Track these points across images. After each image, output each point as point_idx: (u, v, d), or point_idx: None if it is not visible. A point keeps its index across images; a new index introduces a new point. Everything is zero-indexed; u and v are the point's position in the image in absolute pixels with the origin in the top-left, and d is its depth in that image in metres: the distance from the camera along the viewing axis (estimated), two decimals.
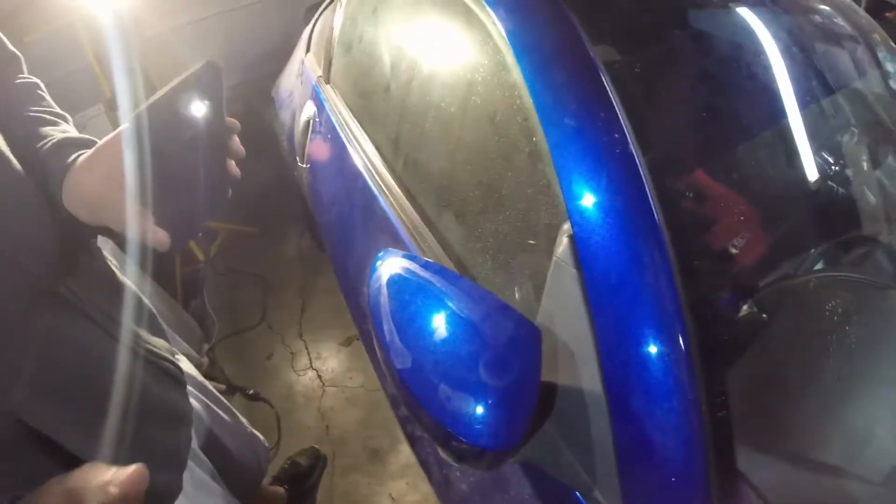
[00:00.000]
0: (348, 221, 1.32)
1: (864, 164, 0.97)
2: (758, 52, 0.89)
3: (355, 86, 1.48)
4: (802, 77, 0.90)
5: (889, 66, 1.04)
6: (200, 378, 1.10)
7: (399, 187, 1.12)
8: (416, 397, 0.59)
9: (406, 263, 0.67)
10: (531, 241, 0.75)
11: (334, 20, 1.65)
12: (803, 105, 0.86)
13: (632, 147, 0.66)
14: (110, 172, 0.59)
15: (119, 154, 0.58)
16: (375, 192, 1.18)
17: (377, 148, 1.27)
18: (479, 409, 0.56)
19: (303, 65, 1.96)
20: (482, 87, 0.87)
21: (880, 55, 1.05)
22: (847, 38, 1.04)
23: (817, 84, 0.93)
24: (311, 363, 2.22)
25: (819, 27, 1.03)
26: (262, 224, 2.83)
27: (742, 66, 0.87)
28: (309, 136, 1.65)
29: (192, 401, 0.99)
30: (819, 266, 0.84)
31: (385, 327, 0.62)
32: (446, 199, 0.96)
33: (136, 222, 0.59)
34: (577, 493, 0.67)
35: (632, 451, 0.62)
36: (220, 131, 0.63)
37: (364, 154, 1.29)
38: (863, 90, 0.99)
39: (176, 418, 0.83)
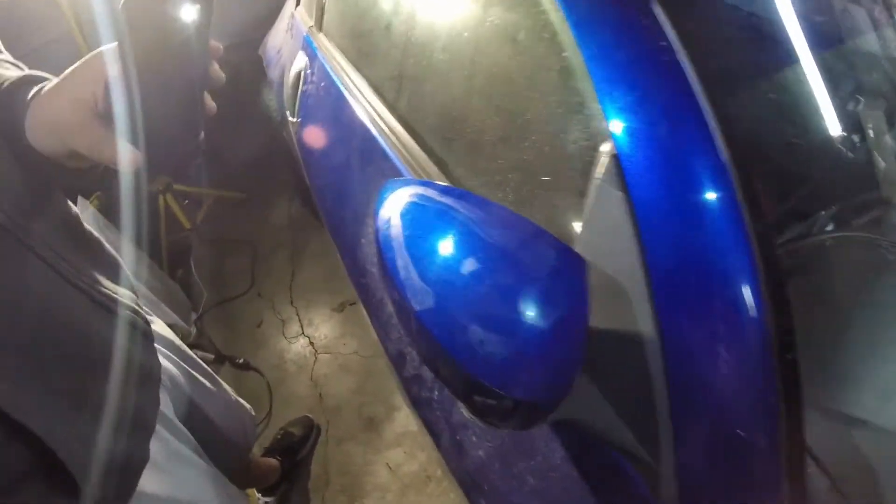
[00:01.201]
0: (345, 171, 1.21)
1: (881, 127, 0.90)
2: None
3: (352, 30, 1.36)
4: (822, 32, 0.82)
5: None
6: (179, 343, 1.01)
7: (403, 126, 1.02)
8: (439, 342, 0.50)
9: (421, 190, 0.57)
10: (563, 168, 0.65)
11: None
12: (823, 63, 0.77)
13: (680, 55, 0.56)
14: (79, 94, 0.54)
15: (89, 78, 0.54)
16: (375, 134, 1.07)
17: (377, 89, 1.16)
18: (520, 353, 0.47)
19: (293, 18, 1.84)
20: (501, 6, 0.77)
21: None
22: None
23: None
24: (302, 330, 2.13)
25: None
26: (250, 190, 2.70)
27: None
28: (300, 88, 1.53)
29: (170, 366, 0.91)
30: (831, 227, 0.76)
31: (399, 263, 0.52)
32: (459, 132, 0.86)
33: (108, 141, 0.53)
34: (622, 458, 0.59)
35: (691, 409, 0.53)
36: (205, 49, 0.55)
37: (363, 97, 1.18)
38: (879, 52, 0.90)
39: (141, 375, 0.73)
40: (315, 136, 1.45)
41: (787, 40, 0.74)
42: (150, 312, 0.86)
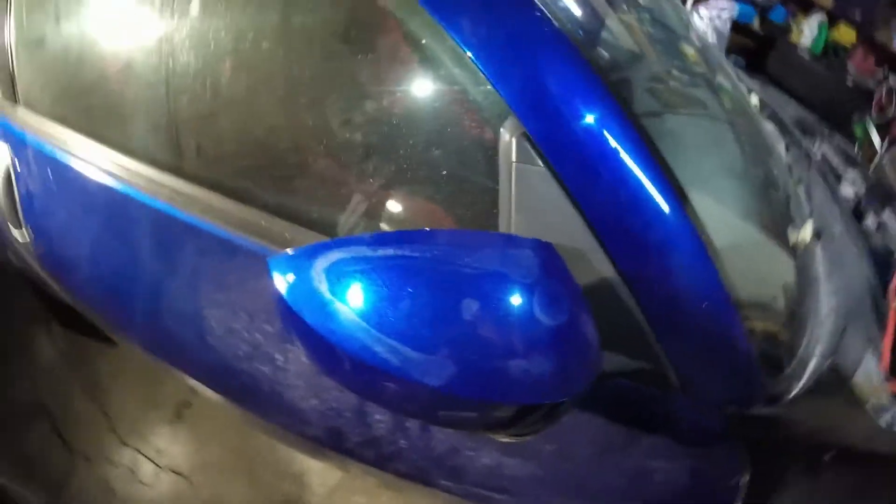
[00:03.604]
0: (139, 267, 0.96)
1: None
2: None
3: (70, 87, 1.05)
4: None
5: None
6: None
7: (202, 186, 0.82)
8: (472, 397, 0.45)
9: (339, 254, 0.49)
10: (456, 163, 0.62)
11: (3, 22, 1.15)
12: None
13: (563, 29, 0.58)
14: None
15: None
16: (168, 209, 0.84)
17: (142, 154, 0.91)
18: (560, 362, 0.45)
19: None
20: (307, 5, 0.69)
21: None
22: None
23: None
24: (157, 464, 1.78)
25: None
26: None
27: None
28: (16, 192, 1.14)
29: None
30: None
31: (380, 351, 0.45)
32: (300, 165, 0.75)
33: None
34: (630, 385, 0.61)
35: (663, 316, 0.59)
36: None
37: (124, 171, 0.91)
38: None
39: None
40: (69, 245, 1.12)
41: None
42: None
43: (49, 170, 1.04)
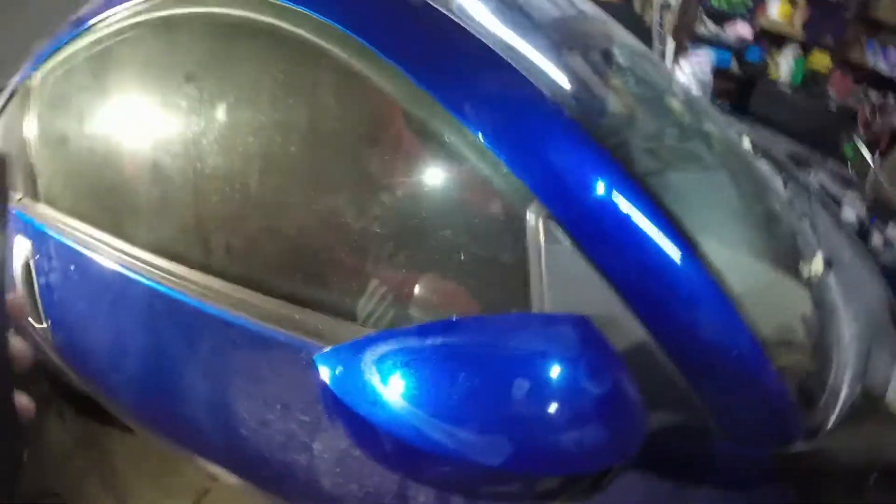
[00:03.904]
0: (158, 357, 0.99)
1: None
2: None
3: (93, 186, 1.08)
4: None
5: None
6: None
7: (233, 282, 0.85)
8: (511, 470, 0.48)
9: (387, 347, 0.53)
10: (486, 248, 0.66)
11: (24, 119, 1.21)
12: None
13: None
14: None
15: None
16: (197, 305, 0.87)
17: (165, 249, 0.94)
18: (600, 428, 0.47)
19: None
20: (328, 108, 0.75)
21: None
22: None
23: None
24: None
25: None
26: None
27: None
28: (35, 283, 1.17)
29: None
30: None
31: (435, 435, 0.47)
32: (331, 260, 0.80)
33: None
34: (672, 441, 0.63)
35: (694, 370, 0.61)
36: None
37: (147, 264, 0.94)
38: None
39: None
40: (89, 336, 1.14)
41: None
42: None
43: (70, 264, 1.08)
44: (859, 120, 1.77)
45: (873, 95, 2.07)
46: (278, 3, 0.76)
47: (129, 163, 1.03)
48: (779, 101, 1.72)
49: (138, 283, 0.95)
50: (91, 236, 1.04)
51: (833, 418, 0.74)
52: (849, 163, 1.57)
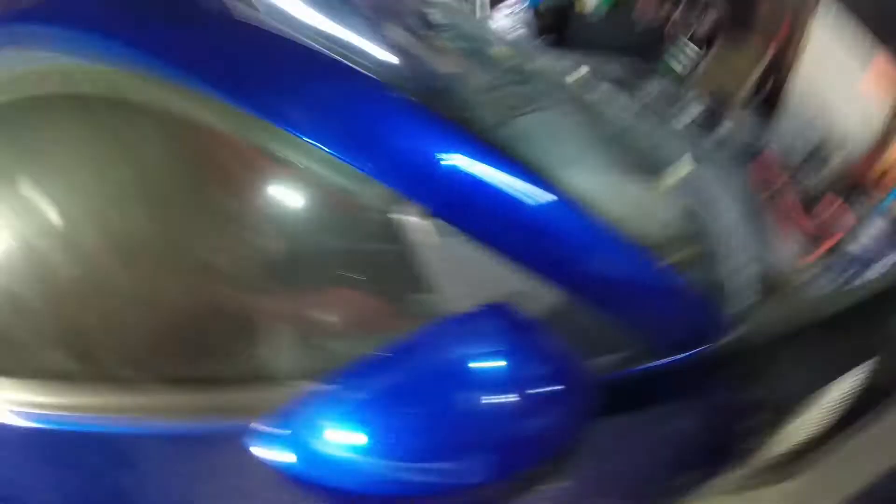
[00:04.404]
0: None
1: None
2: None
3: None
4: None
5: None
6: None
7: (124, 391, 0.74)
8: (499, 477, 0.47)
9: (321, 410, 0.49)
10: (366, 267, 0.62)
11: None
12: None
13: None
14: None
15: None
16: (88, 429, 0.75)
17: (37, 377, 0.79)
18: (558, 400, 0.48)
19: None
20: (157, 165, 0.68)
21: None
22: None
23: None
24: None
25: None
26: None
27: None
28: None
29: None
30: None
31: (413, 478, 0.46)
32: (218, 329, 0.71)
33: None
34: None
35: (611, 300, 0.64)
36: None
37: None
38: None
39: None
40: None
41: None
42: None
43: None
44: (666, 37, 1.86)
45: (675, 12, 2.19)
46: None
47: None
48: (588, 33, 1.81)
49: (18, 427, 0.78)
50: None
51: (748, 300, 0.80)
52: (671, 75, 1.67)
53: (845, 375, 0.82)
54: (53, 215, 0.75)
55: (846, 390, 0.82)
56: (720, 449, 0.70)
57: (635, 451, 0.71)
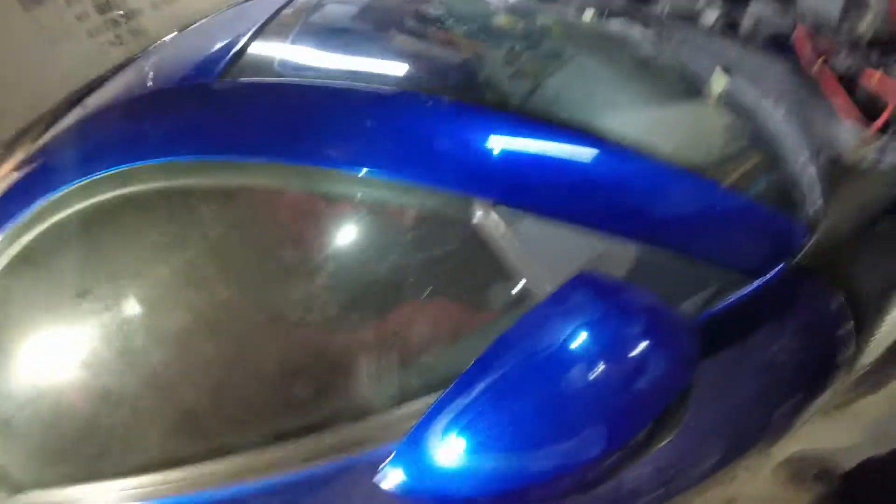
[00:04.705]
0: None
1: None
2: None
3: (56, 444, 0.95)
4: None
5: None
6: None
7: (247, 452, 0.78)
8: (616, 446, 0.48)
9: (439, 425, 0.50)
10: (451, 274, 0.63)
11: None
12: None
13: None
14: None
15: None
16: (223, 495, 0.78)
17: (157, 464, 0.84)
18: (661, 354, 0.47)
19: None
20: (228, 240, 0.71)
21: None
22: None
23: None
24: None
25: None
26: None
27: None
28: None
29: None
30: None
31: (538, 465, 0.46)
32: (319, 375, 0.74)
33: None
34: None
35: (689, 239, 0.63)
36: None
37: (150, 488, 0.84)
38: None
39: None
40: None
41: None
42: None
43: None
44: None
45: None
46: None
47: (76, 402, 0.94)
48: None
49: None
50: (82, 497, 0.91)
51: (818, 200, 0.76)
52: None
53: None
54: (137, 311, 0.80)
55: None
56: (819, 365, 0.68)
57: (740, 388, 0.69)
